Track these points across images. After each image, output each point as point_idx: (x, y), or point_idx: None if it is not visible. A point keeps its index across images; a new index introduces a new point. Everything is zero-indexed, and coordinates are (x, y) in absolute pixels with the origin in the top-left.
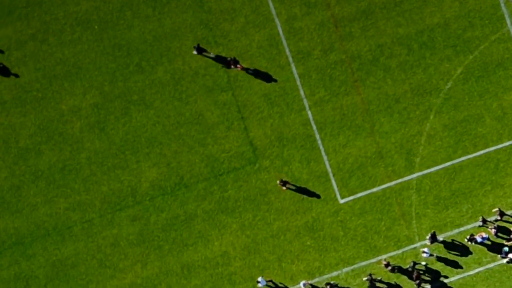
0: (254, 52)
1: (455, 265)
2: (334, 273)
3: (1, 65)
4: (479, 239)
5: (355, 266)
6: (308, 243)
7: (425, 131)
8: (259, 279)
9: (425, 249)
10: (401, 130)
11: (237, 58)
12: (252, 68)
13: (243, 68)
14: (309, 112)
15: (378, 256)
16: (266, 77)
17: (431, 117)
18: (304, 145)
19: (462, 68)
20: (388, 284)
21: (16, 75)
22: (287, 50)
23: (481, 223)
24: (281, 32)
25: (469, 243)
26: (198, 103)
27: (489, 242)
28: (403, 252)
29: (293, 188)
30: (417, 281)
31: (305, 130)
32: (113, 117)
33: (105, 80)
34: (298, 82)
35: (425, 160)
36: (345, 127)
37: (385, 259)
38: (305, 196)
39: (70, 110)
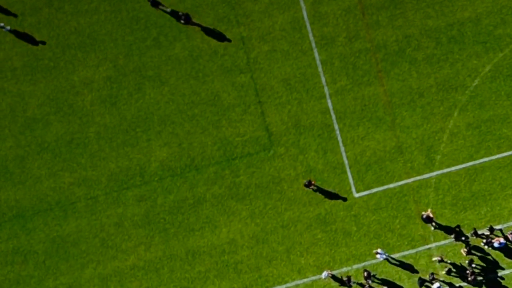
0: (277, 35)
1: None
2: (344, 269)
3: (13, 30)
4: (496, 244)
5: (366, 263)
6: (319, 236)
7: (448, 128)
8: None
9: (379, 250)
10: (423, 125)
11: (190, 14)
12: (274, 49)
13: (195, 24)
14: (329, 101)
15: (390, 254)
16: (287, 61)
17: (455, 114)
18: (321, 134)
19: (491, 65)
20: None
21: (30, 41)
22: (310, 35)
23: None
24: (305, 16)
25: (485, 247)
26: (215, 83)
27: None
28: (416, 252)
29: (315, 188)
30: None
31: (323, 119)
32: (126, 92)
33: (120, 53)
34: (320, 69)
35: (446, 158)
36: (365, 118)
37: (439, 255)
38: (319, 188)
39: (82, 82)
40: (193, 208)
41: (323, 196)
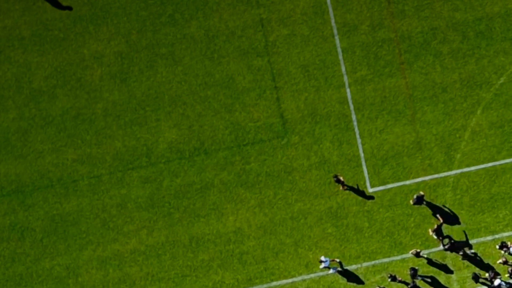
0: (297, 19)
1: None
2: (354, 266)
3: None
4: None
5: (377, 261)
6: (329, 230)
7: (470, 126)
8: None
9: (322, 258)
10: (444, 122)
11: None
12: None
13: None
14: (348, 90)
15: (402, 254)
16: (307, 47)
17: (478, 112)
18: (338, 124)
19: None
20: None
21: (40, 10)
22: (332, 21)
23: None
24: (328, 1)
25: (501, 251)
26: (230, 66)
27: None
28: (429, 253)
29: (346, 188)
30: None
31: (341, 108)
32: (137, 68)
33: (134, 28)
34: (340, 57)
35: (466, 157)
36: (384, 111)
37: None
38: (332, 181)
39: (91, 56)
40: (200, 194)
41: (336, 189)
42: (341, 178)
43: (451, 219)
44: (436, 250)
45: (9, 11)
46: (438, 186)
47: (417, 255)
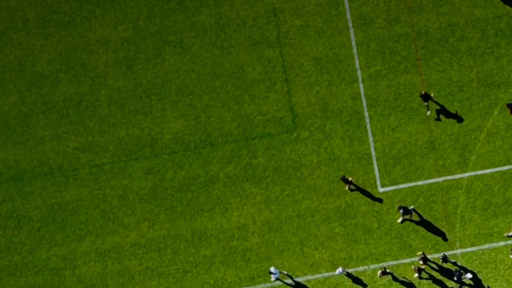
0: (311, 9)
1: None
2: (360, 268)
3: None
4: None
5: (384, 264)
6: (337, 230)
7: (486, 128)
8: (272, 269)
9: (272, 269)
10: (459, 122)
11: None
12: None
13: None
14: (361, 85)
15: (411, 257)
16: (320, 39)
17: (495, 113)
18: (349, 120)
19: None
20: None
21: None
22: (348, 13)
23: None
24: None
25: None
26: (240, 56)
27: None
28: (439, 257)
29: (354, 188)
30: None
31: (353, 104)
32: (143, 55)
33: (142, 13)
34: (355, 51)
35: (481, 159)
36: (398, 108)
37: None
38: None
39: (97, 41)
40: (204, 187)
41: (345, 188)
42: (350, 179)
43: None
44: (447, 254)
45: None
46: (450, 188)
47: (424, 260)
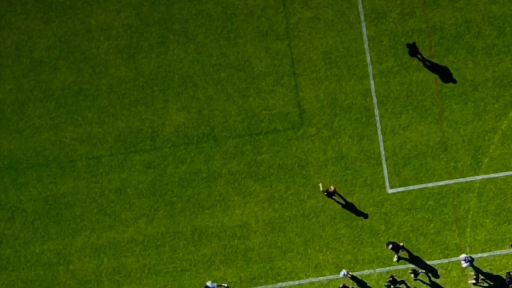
0: (322, 1)
1: None
2: (366, 271)
3: None
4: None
5: (391, 268)
6: (343, 231)
7: (500, 129)
8: (209, 283)
9: (208, 283)
10: (473, 122)
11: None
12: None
13: None
14: (372, 82)
15: (420, 261)
16: (330, 33)
17: (511, 114)
18: (359, 118)
19: None
20: None
21: None
22: (360, 6)
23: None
24: None
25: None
26: (247, 47)
27: None
28: (449, 262)
29: (342, 202)
30: None
31: (363, 101)
32: (147, 44)
33: (146, 0)
34: (366, 45)
35: (494, 162)
36: (410, 106)
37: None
38: (349, 178)
39: (99, 27)
40: (206, 183)
41: (353, 188)
42: (332, 188)
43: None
44: (456, 259)
45: None
46: (462, 191)
47: (415, 273)
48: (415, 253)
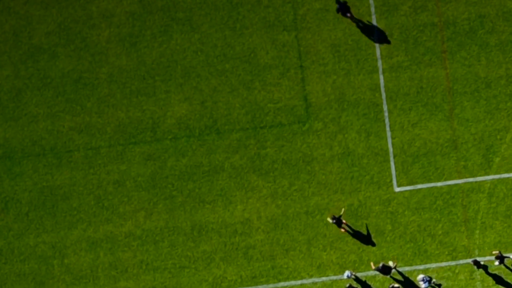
0: None
1: None
2: (371, 273)
3: None
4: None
5: (398, 269)
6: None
7: None
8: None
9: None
10: (485, 120)
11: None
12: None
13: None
14: (381, 77)
15: (426, 263)
16: (339, 25)
17: None
18: (367, 114)
19: None
20: None
21: None
22: None
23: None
24: None
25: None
26: (253, 38)
27: None
28: (456, 265)
29: (351, 232)
30: None
31: (372, 96)
32: (149, 32)
33: None
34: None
35: (506, 162)
36: (420, 103)
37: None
38: (355, 175)
39: (100, 14)
40: (207, 177)
41: (359, 185)
42: (341, 215)
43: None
44: (464, 262)
45: None
46: (472, 191)
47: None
48: (407, 273)
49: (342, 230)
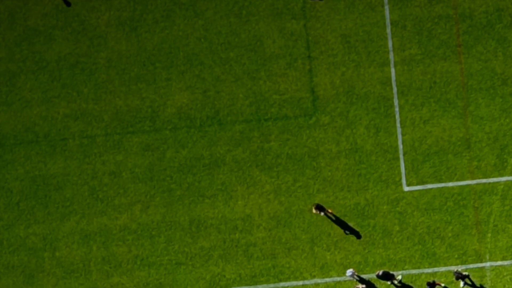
0: None
1: None
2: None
3: None
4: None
5: (404, 272)
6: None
7: None
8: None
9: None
10: (500, 119)
11: None
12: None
13: None
14: (392, 70)
15: (434, 266)
16: (350, 15)
17: None
18: (376, 108)
19: None
20: None
21: None
22: None
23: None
24: None
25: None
26: (260, 26)
27: None
28: (466, 269)
29: (333, 218)
30: None
31: (382, 90)
32: (151, 17)
33: None
34: (388, 30)
35: None
36: (432, 98)
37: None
38: (362, 173)
39: None
40: (208, 170)
41: (366, 183)
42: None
43: None
44: (474, 266)
45: None
46: (485, 193)
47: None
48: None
49: (330, 210)
